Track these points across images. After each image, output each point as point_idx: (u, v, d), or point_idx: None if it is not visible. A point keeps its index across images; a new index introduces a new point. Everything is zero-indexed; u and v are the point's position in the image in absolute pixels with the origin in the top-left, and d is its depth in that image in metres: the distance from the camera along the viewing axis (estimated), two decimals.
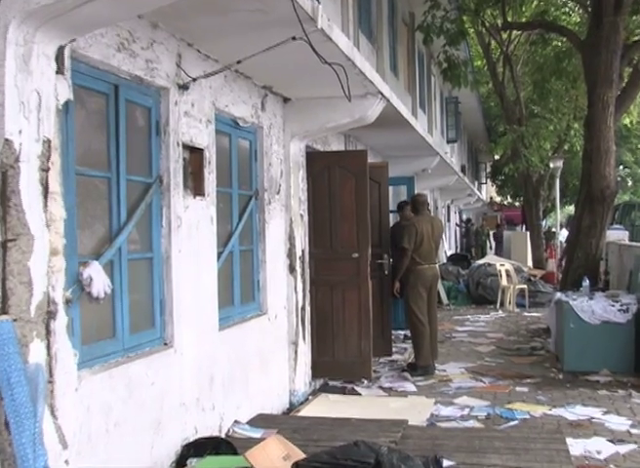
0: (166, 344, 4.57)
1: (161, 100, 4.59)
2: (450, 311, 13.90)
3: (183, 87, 4.73)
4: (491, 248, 26.80)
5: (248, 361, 5.84)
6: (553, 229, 23.47)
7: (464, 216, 31.61)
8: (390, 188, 9.62)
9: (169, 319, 4.60)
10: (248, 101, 5.97)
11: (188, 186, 4.87)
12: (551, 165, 18.05)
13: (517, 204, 36.35)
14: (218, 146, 5.36)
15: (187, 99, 4.83)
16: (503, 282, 14.25)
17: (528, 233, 23.43)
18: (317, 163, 7.47)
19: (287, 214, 6.83)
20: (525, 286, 14.34)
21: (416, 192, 10.70)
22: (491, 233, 27.94)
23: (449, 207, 26.33)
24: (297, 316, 6.89)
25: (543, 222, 25.74)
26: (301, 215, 7.07)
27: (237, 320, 5.78)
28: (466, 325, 12.02)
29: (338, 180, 7.45)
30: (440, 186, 19.01)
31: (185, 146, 4.83)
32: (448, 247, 24.02)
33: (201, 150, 5.03)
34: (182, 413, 4.63)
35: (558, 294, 8.93)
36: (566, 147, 21.11)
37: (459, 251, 25.92)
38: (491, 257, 18.28)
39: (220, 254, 5.44)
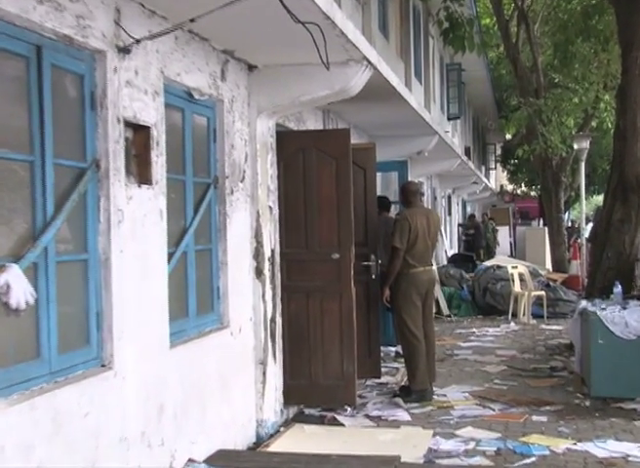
0: (104, 366, 4.54)
1: (96, 67, 4.55)
2: (451, 323, 13.98)
3: (124, 50, 4.69)
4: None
5: (206, 385, 5.82)
6: (577, 224, 23.65)
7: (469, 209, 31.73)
8: (378, 175, 9.63)
9: (107, 335, 4.56)
10: (204, 69, 5.94)
11: (132, 172, 4.85)
12: (575, 146, 18.09)
13: (533, 193, 36.65)
14: (167, 124, 5.33)
15: (129, 66, 4.79)
16: (516, 288, 14.33)
17: (546, 229, 23.60)
18: (290, 144, 7.46)
19: (253, 207, 6.82)
20: (543, 292, 14.42)
21: (408, 180, 10.72)
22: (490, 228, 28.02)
23: (450, 197, 26.46)
24: (265, 330, 6.88)
25: (565, 216, 25.94)
26: (271, 208, 7.06)
27: (193, 335, 5.77)
28: (471, 340, 12.09)
29: (315, 166, 7.44)
30: (439, 173, 19.11)
31: (128, 123, 4.80)
32: (449, 245, 24.12)
33: (147, 128, 5.00)
34: (124, 451, 4.59)
35: (583, 303, 8.98)
36: (594, 124, 21.24)
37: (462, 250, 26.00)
38: (502, 258, 18.35)
39: (171, 256, 5.42)
